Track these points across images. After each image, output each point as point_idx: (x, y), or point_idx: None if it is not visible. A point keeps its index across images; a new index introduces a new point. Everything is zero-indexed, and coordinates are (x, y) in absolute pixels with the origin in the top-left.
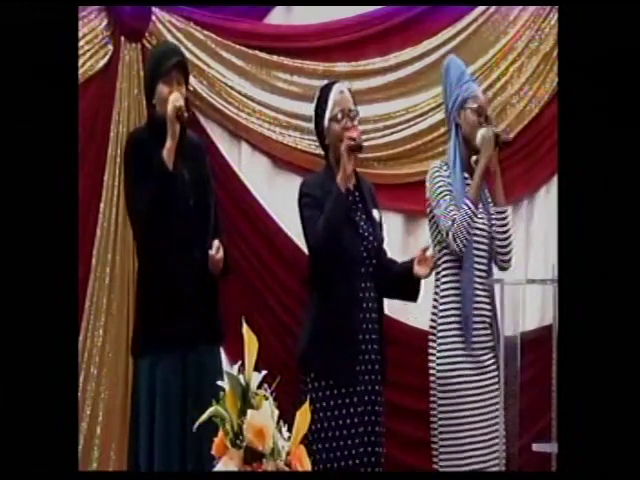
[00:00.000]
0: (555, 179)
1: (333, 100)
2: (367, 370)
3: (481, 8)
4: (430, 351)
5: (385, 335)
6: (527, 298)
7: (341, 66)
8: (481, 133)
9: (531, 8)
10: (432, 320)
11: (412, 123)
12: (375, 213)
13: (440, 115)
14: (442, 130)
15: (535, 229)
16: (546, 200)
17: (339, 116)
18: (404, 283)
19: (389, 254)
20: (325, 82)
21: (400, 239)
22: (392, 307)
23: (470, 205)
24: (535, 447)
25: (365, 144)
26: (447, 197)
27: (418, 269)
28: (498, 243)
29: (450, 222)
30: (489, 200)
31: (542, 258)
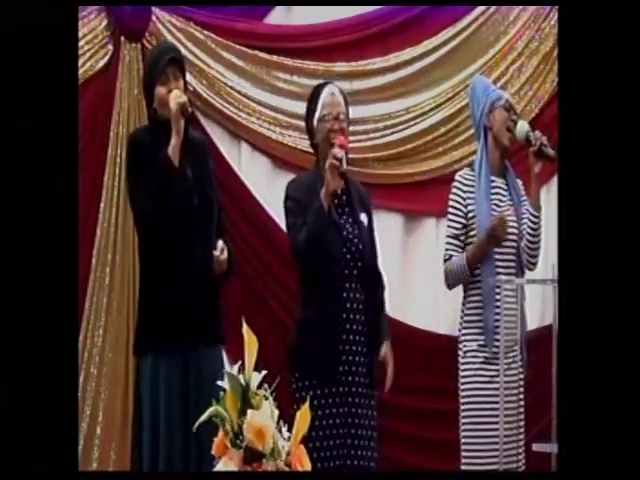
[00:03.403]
0: (555, 179)
1: (322, 101)
2: (350, 371)
3: (481, 8)
4: (460, 358)
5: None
6: (527, 298)
7: (341, 66)
8: (521, 122)
9: (531, 8)
10: (460, 323)
11: (412, 123)
12: (363, 217)
13: (440, 115)
14: (442, 130)
15: None
16: (546, 200)
17: (327, 118)
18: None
19: (389, 254)
20: (319, 82)
21: (400, 239)
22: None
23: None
24: (535, 447)
25: (365, 144)
26: (452, 228)
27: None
28: (528, 244)
29: (444, 259)
30: (523, 199)
31: (542, 258)
